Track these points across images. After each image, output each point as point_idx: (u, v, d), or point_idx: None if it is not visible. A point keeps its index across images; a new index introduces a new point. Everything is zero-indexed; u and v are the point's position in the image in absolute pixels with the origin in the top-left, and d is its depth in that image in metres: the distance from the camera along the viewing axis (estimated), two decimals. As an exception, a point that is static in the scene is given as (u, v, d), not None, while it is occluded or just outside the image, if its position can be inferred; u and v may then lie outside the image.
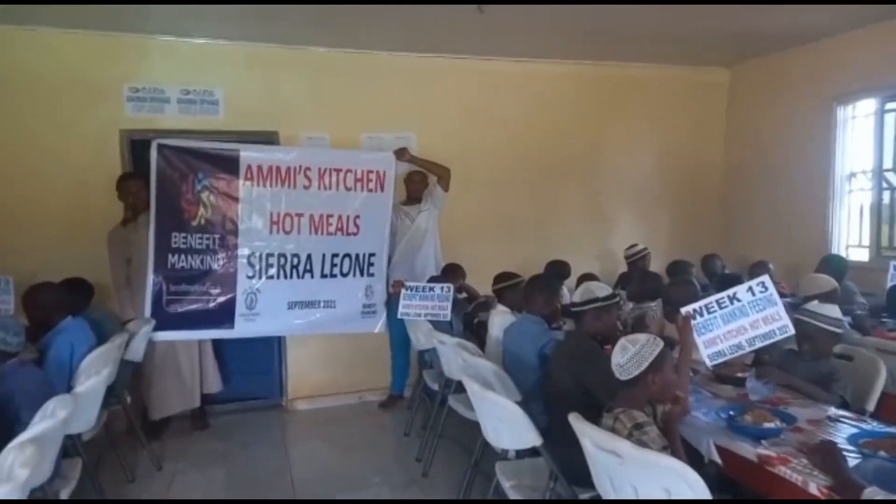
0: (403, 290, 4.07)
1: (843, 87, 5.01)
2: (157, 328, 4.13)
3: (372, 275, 4.81)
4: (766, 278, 2.40)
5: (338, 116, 5.12)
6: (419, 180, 5.05)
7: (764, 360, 2.89)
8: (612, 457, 1.80)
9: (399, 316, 4.10)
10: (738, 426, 2.15)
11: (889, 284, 3.79)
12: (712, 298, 2.42)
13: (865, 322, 3.58)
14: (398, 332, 4.77)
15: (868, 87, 4.84)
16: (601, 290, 2.81)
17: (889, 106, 4.78)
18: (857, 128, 5.04)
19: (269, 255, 4.44)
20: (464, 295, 4.61)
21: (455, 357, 3.25)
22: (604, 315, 2.75)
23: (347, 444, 4.36)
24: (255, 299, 4.41)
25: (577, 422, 2.00)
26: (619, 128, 5.93)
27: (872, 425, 2.19)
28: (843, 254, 5.03)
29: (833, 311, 2.79)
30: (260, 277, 4.42)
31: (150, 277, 4.15)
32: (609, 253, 5.92)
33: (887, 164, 4.82)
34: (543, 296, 3.19)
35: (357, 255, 4.73)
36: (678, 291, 3.39)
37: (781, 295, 4.06)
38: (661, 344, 2.03)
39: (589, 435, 1.92)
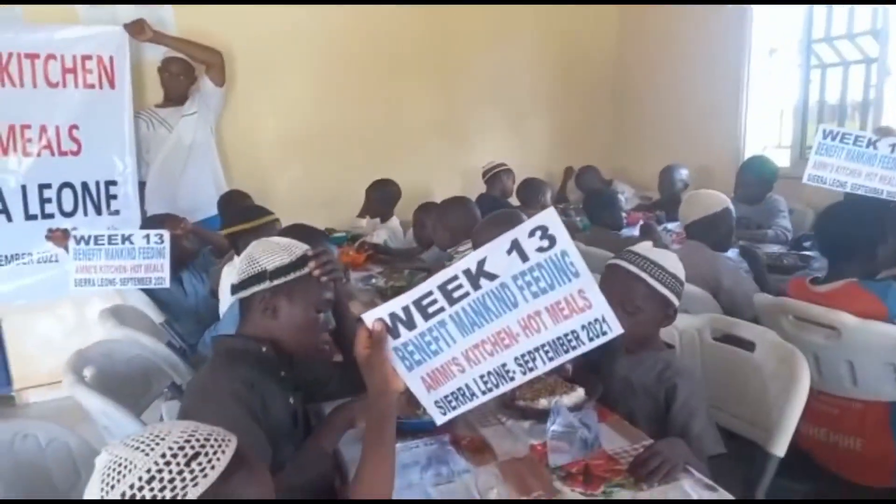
0: (72, 245, 2.52)
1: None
2: None
3: (116, 212, 3.53)
4: (549, 216, 0.94)
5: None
6: (179, 70, 3.59)
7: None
8: None
9: (73, 287, 2.57)
10: None
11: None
12: (457, 269, 1.00)
13: (782, 262, 2.38)
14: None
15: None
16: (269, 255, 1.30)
17: (825, -53, 3.47)
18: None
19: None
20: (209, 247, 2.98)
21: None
22: (289, 293, 1.27)
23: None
24: None
25: None
26: (483, 11, 4.47)
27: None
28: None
29: (667, 258, 1.48)
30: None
31: None
32: (472, 171, 4.57)
33: (818, 33, 3.55)
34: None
35: (85, 185, 3.45)
36: (486, 234, 1.95)
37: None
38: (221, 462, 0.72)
39: None
